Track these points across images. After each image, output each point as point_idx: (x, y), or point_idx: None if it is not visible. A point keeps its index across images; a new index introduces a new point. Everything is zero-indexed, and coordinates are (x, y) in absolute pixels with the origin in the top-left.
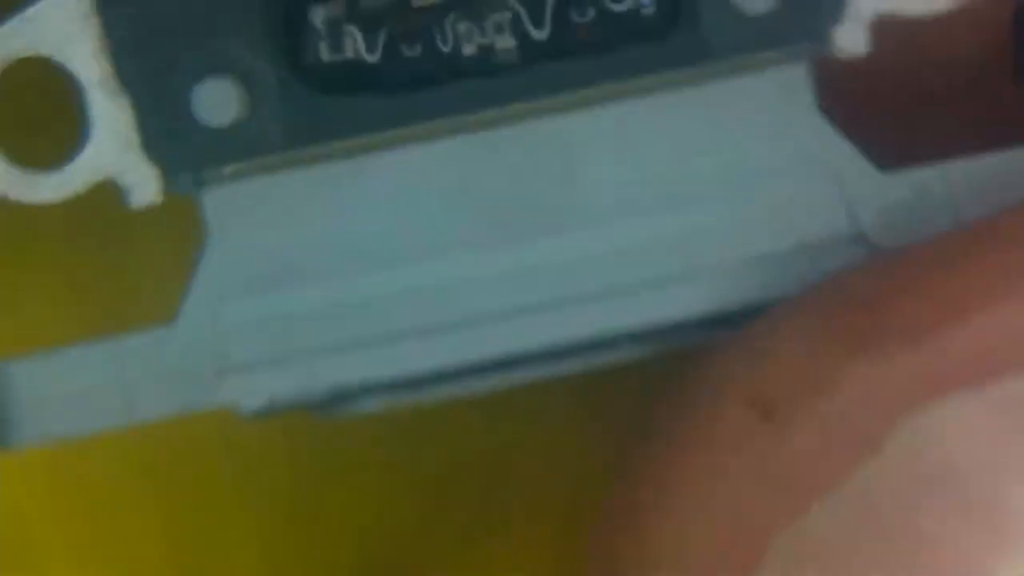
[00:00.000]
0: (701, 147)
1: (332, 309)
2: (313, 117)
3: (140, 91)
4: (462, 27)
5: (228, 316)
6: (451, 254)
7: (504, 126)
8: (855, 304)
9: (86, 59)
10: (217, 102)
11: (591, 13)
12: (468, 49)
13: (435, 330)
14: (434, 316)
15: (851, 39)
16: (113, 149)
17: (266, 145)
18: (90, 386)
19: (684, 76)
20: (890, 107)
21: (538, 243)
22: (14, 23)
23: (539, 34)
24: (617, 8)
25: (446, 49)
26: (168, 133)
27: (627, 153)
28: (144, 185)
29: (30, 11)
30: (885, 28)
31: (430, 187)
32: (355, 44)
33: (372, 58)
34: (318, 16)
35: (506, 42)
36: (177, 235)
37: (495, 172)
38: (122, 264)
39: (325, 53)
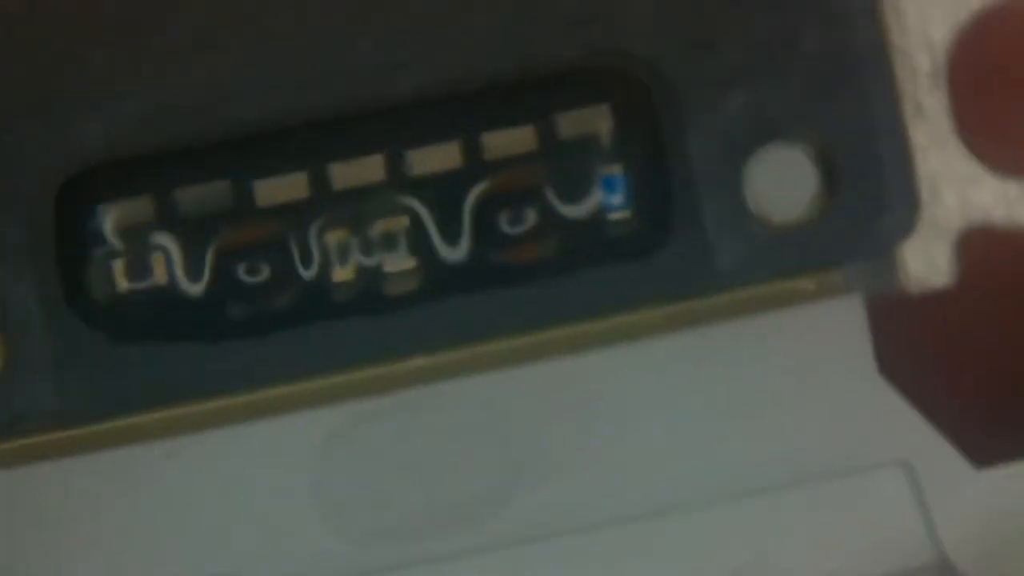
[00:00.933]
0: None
1: None
2: (101, 377)
3: None
4: (333, 239)
5: None
6: None
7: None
8: None
9: None
10: None
11: (530, 219)
12: (341, 274)
13: None
14: None
15: (928, 261)
16: None
17: (31, 418)
18: None
19: (675, 315)
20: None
21: None
22: None
23: (452, 252)
24: (570, 214)
25: (307, 274)
26: None
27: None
28: None
29: None
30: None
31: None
32: (169, 266)
33: (194, 288)
34: (108, 221)
35: (401, 262)
36: None
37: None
38: None
39: (121, 279)
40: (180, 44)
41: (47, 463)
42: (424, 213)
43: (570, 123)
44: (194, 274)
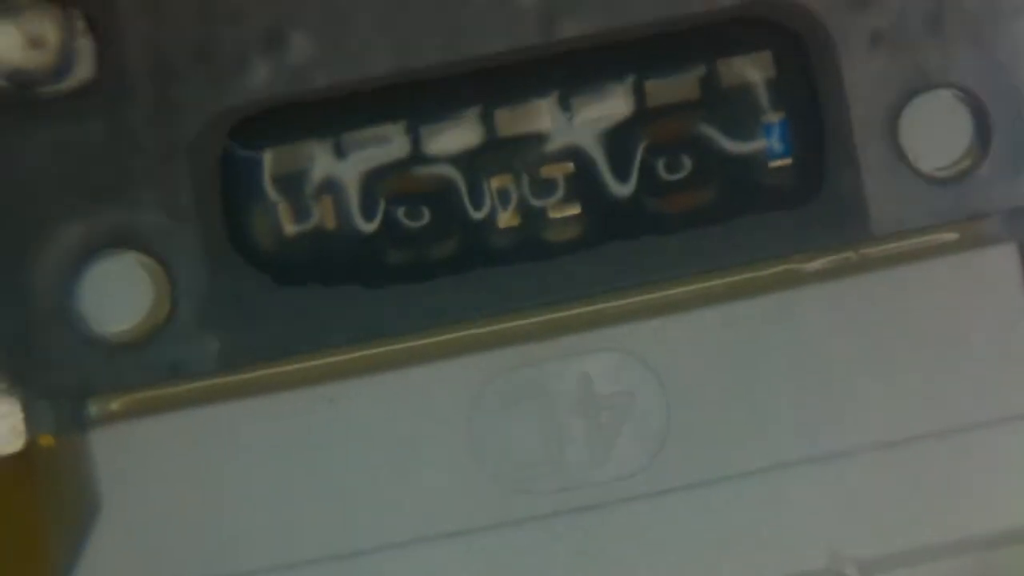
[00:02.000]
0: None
1: None
2: (265, 321)
3: None
4: (498, 184)
5: None
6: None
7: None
8: None
9: None
10: (109, 298)
11: (692, 166)
12: (505, 219)
13: None
14: None
15: None
16: None
17: (191, 364)
18: None
19: (829, 265)
20: None
21: None
22: None
23: (617, 196)
24: (731, 158)
25: (475, 217)
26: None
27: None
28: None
29: None
30: None
31: (430, 432)
32: (338, 208)
33: (366, 227)
34: (274, 166)
35: (565, 208)
36: None
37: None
38: None
39: (286, 223)
40: None
41: (211, 407)
42: (591, 159)
43: (731, 71)
44: (364, 217)
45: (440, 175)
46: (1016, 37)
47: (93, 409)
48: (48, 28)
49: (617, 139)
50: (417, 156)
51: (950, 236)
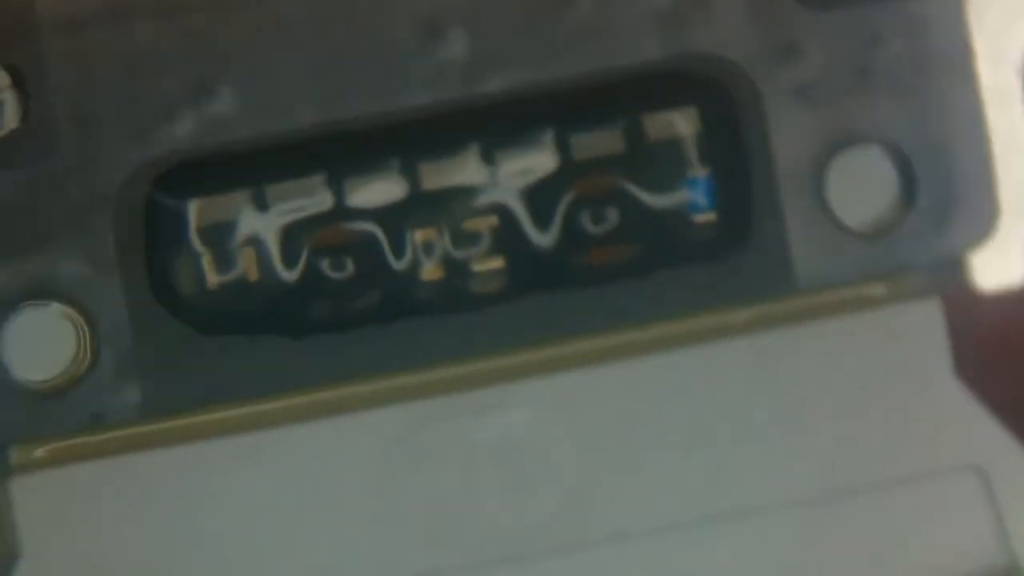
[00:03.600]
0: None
1: None
2: (186, 371)
3: None
4: (421, 237)
5: None
6: None
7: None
8: None
9: None
10: (31, 348)
11: (616, 220)
12: (429, 272)
13: None
14: None
15: (1003, 263)
16: None
17: (113, 413)
18: None
19: (752, 319)
20: None
21: None
22: None
23: (539, 251)
24: (654, 214)
25: (396, 270)
26: None
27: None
28: None
29: None
30: None
31: (350, 482)
32: (260, 260)
33: (287, 278)
34: (198, 217)
35: (488, 261)
36: None
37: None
38: None
39: (209, 274)
40: (268, 42)
41: (132, 456)
42: (514, 212)
43: (656, 125)
44: (287, 268)
45: (363, 228)
46: (942, 92)
47: (14, 457)
48: None
49: (541, 192)
50: (340, 209)
51: (876, 290)
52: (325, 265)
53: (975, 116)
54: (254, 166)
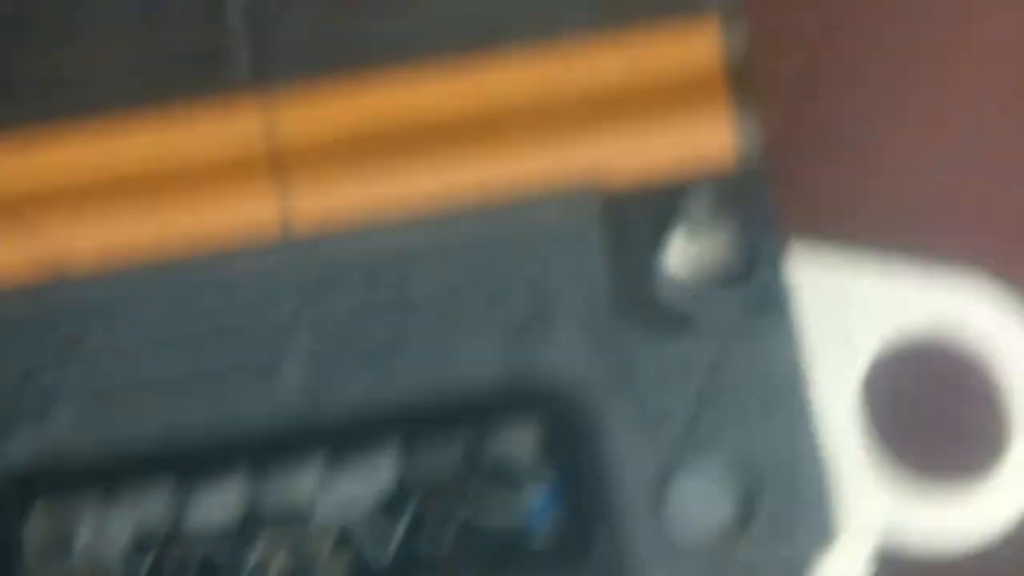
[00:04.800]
0: None
1: None
2: None
3: None
4: (260, 556)
5: None
6: None
7: None
8: None
9: None
10: None
11: (456, 537)
12: None
13: None
14: None
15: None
16: None
17: None
18: None
19: None
20: None
21: None
22: None
23: (378, 568)
24: (494, 531)
25: None
26: None
27: None
28: None
29: None
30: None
31: None
32: (101, 573)
33: None
34: (36, 531)
35: None
36: None
37: None
38: None
39: None
40: (106, 365)
41: None
42: (352, 531)
43: (498, 443)
44: None
45: (201, 547)
46: (786, 411)
47: None
48: None
49: (380, 512)
50: (179, 527)
51: None
52: None
53: (812, 433)
54: (93, 484)
